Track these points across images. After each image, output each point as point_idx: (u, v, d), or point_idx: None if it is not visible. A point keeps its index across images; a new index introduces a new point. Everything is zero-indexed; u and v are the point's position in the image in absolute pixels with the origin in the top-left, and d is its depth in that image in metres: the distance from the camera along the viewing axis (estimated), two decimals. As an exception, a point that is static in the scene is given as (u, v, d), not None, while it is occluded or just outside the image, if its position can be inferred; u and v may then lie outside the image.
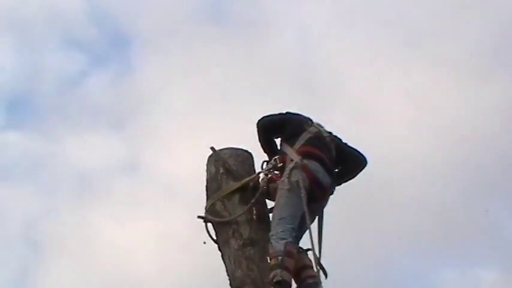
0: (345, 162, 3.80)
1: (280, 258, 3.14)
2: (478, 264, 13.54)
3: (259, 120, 3.80)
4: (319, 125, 3.81)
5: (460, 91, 14.15)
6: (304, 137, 3.59)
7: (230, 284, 3.35)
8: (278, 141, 3.81)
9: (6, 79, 16.34)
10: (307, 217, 3.34)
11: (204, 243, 3.65)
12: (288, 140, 3.63)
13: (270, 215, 3.57)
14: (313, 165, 3.47)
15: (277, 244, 3.22)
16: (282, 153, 3.61)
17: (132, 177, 15.73)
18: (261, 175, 3.61)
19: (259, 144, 3.84)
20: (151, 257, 12.25)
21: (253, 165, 3.83)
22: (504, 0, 13.86)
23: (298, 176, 3.34)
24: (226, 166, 3.63)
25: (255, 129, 3.80)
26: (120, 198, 14.32)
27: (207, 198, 3.65)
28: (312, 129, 3.66)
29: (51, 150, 15.95)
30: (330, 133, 3.82)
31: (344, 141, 3.86)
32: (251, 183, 3.57)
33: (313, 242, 3.45)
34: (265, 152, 3.80)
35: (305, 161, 3.42)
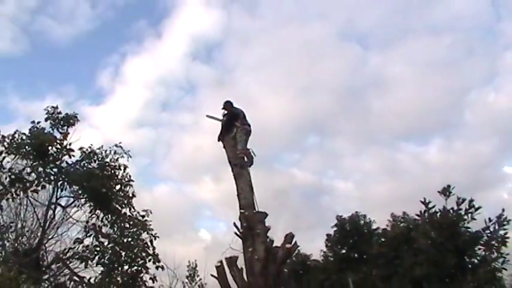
0: None
1: (240, 149, 12.08)
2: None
3: (236, 110, 12.55)
4: (241, 110, 12.20)
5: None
6: (241, 117, 11.99)
7: (227, 157, 12.29)
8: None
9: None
10: (247, 140, 12.27)
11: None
12: (237, 119, 12.05)
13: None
14: (246, 125, 12.22)
15: (239, 146, 12.19)
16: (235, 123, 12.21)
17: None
18: (234, 129, 12.42)
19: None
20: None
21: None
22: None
23: (243, 130, 12.03)
24: (222, 123, 12.42)
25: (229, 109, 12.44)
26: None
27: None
28: (240, 113, 12.04)
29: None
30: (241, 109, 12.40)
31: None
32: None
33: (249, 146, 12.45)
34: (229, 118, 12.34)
35: (244, 126, 12.24)
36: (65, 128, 16.12)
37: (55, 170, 15.73)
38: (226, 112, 12.09)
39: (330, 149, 68.13)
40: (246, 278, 9.32)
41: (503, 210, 20.73)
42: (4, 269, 12.89)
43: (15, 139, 15.40)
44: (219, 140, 12.08)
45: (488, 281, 19.92)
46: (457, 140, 66.82)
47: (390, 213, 27.81)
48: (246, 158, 11.59)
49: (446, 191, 21.31)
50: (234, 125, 11.86)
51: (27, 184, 15.19)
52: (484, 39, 74.73)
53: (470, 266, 20.67)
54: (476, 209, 20.89)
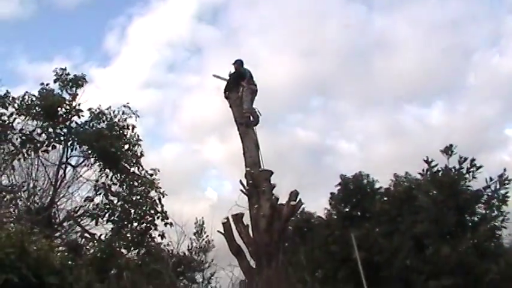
0: None
1: (246, 109, 12.31)
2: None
3: (244, 70, 12.67)
4: (248, 70, 12.51)
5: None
6: (247, 77, 12.23)
7: (234, 116, 12.57)
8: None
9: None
10: (254, 99, 12.56)
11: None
12: (243, 79, 12.38)
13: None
14: (252, 85, 12.51)
15: (245, 106, 12.49)
16: (241, 83, 12.47)
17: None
18: (240, 88, 12.69)
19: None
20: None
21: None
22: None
23: (249, 90, 12.36)
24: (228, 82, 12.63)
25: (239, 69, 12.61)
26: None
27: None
28: (247, 73, 12.36)
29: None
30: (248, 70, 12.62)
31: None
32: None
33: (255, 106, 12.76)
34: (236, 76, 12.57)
35: (251, 86, 12.50)
36: (74, 89, 16.37)
37: (65, 130, 16.16)
38: (234, 71, 12.31)
39: (334, 109, 68.43)
40: (251, 234, 9.68)
41: (504, 170, 21.01)
42: (17, 227, 13.34)
43: (25, 101, 15.73)
44: (225, 96, 12.30)
45: (488, 239, 20.37)
46: (459, 102, 66.72)
47: (393, 173, 28.25)
48: (251, 117, 11.87)
49: (448, 150, 21.54)
50: (240, 84, 12.08)
51: (38, 144, 15.70)
52: (489, 2, 74.17)
53: (470, 223, 21.07)
54: (478, 168, 21.17)
